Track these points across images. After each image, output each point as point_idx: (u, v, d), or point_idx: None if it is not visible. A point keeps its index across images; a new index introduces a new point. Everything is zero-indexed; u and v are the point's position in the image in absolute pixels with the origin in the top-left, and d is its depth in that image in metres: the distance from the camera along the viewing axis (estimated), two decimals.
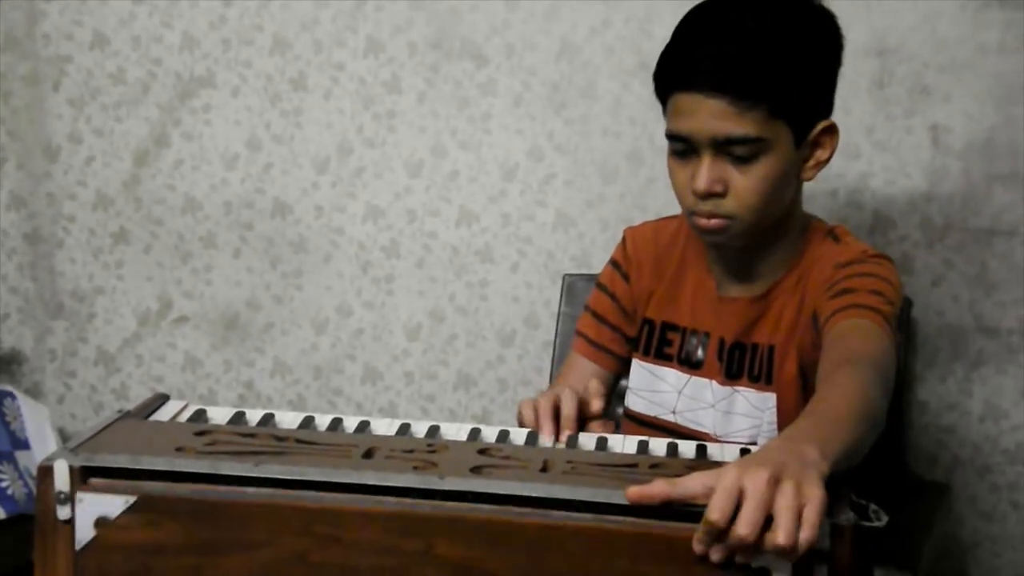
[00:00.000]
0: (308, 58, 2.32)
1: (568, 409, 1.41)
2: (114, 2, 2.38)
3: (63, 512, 1.16)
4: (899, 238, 2.12)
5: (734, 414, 1.63)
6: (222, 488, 1.17)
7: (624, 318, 1.72)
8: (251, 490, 1.16)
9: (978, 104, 2.06)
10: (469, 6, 2.24)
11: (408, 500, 1.15)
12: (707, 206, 1.52)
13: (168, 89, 2.38)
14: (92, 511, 1.16)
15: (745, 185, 1.51)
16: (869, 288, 1.49)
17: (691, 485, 1.10)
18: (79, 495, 1.16)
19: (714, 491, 1.08)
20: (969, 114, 2.07)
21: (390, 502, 1.16)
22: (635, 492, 1.11)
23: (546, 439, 1.37)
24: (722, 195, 1.51)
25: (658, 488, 1.11)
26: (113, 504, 1.16)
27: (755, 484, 1.07)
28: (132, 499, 1.16)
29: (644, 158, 2.21)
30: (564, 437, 1.38)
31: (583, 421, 1.44)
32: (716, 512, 1.07)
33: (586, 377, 1.71)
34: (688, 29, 1.54)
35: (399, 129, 2.31)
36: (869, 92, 2.09)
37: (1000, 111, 2.05)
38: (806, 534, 1.06)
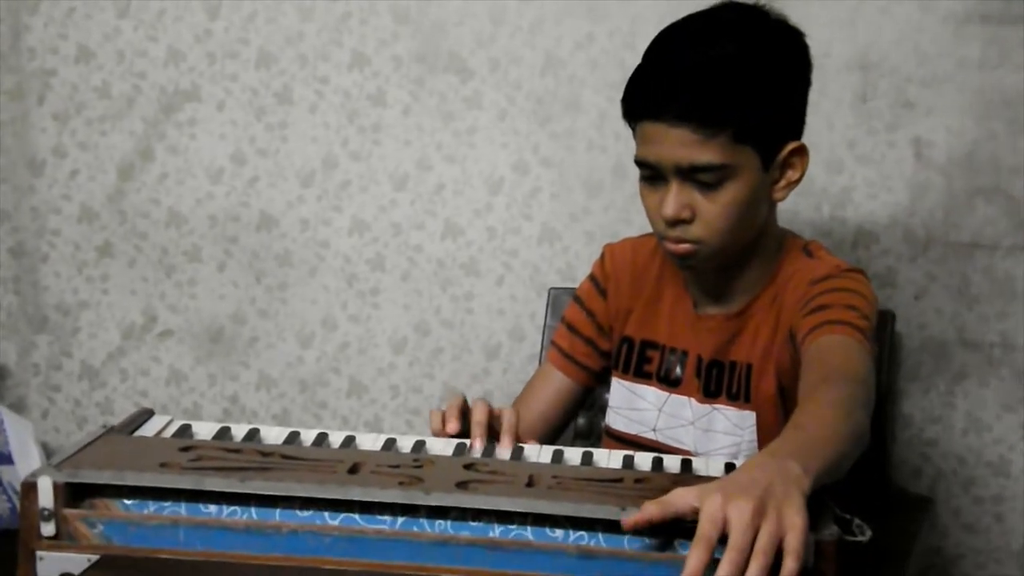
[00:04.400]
0: (293, 72, 2.32)
1: (479, 415, 1.41)
2: (99, 16, 2.37)
3: (47, 529, 1.16)
4: (882, 252, 2.13)
5: (714, 432, 1.63)
6: (189, 537, 1.16)
7: (599, 333, 1.73)
8: (217, 540, 1.15)
9: (960, 118, 2.07)
10: (454, 20, 2.25)
11: (387, 556, 1.14)
12: (675, 232, 1.53)
13: (153, 103, 2.38)
14: (55, 568, 1.15)
15: (712, 211, 1.51)
16: (844, 303, 1.50)
17: (677, 504, 1.11)
18: (39, 553, 1.15)
19: (698, 511, 1.09)
20: (951, 128, 2.08)
21: (368, 548, 1.15)
22: (630, 522, 1.12)
23: (450, 431, 1.40)
24: (690, 221, 1.53)
25: (649, 511, 1.11)
26: (76, 562, 1.16)
27: (739, 516, 1.08)
28: (95, 557, 1.16)
29: (629, 172, 2.21)
30: (478, 444, 1.38)
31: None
32: (703, 545, 1.07)
33: (554, 387, 1.73)
34: (652, 57, 1.56)
35: (384, 142, 2.31)
36: (852, 106, 2.10)
37: (982, 125, 2.07)
38: (790, 566, 1.07)
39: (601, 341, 1.73)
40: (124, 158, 2.41)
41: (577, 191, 2.25)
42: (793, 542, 1.07)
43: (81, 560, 1.15)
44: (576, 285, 2.13)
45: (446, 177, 2.29)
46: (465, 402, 1.46)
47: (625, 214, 2.22)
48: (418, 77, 2.27)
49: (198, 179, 2.38)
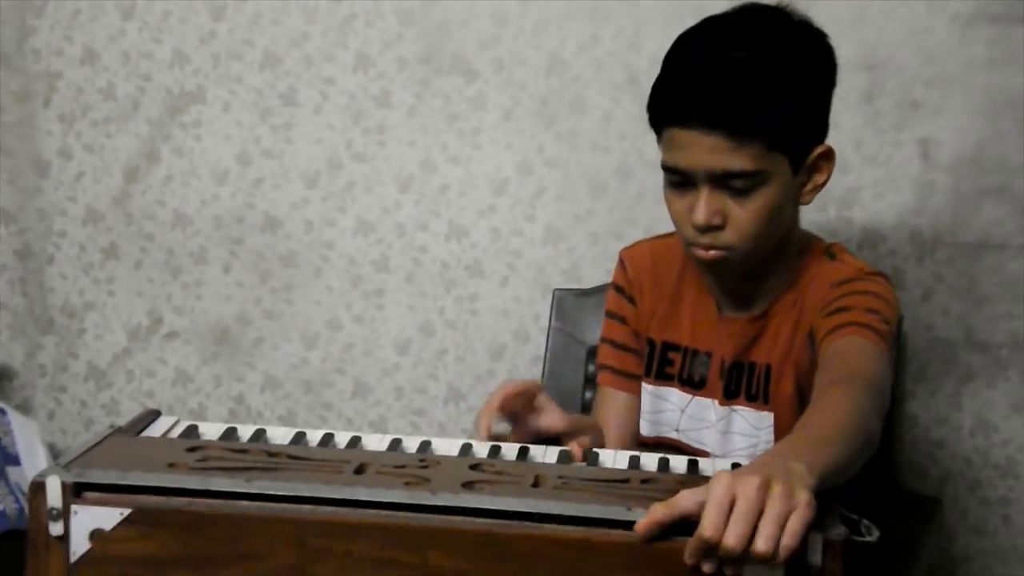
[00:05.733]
0: (298, 73, 2.32)
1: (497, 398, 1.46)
2: (104, 18, 2.38)
3: (55, 528, 1.16)
4: (889, 252, 2.13)
5: (732, 433, 1.62)
6: (217, 501, 1.17)
7: (638, 340, 1.71)
8: (246, 502, 1.17)
9: (967, 118, 2.07)
10: (459, 22, 2.25)
11: (402, 513, 1.16)
12: (706, 238, 1.51)
13: (158, 105, 2.38)
14: (87, 524, 1.16)
15: (744, 217, 1.50)
16: (865, 306, 1.49)
17: (684, 504, 1.11)
18: (73, 507, 1.16)
19: (705, 504, 1.09)
20: (958, 128, 2.08)
21: (384, 514, 1.16)
22: (643, 526, 1.12)
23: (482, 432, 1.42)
24: (721, 227, 1.50)
25: (659, 513, 1.11)
26: (108, 516, 1.16)
27: (746, 489, 1.08)
28: (127, 511, 1.16)
29: (634, 172, 2.21)
30: (491, 424, 1.42)
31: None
32: (709, 528, 1.08)
33: (622, 408, 1.70)
34: (679, 61, 1.52)
35: (389, 144, 2.31)
36: (858, 106, 2.10)
37: (989, 125, 2.06)
38: (786, 542, 1.07)
39: (643, 348, 1.72)
40: (129, 160, 2.41)
41: (582, 192, 2.24)
42: (794, 522, 1.08)
43: (113, 515, 1.15)
44: (580, 286, 2.14)
45: (451, 178, 2.29)
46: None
47: (630, 215, 2.22)
48: (423, 78, 2.27)
49: (203, 181, 2.39)
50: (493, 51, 2.24)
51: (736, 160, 1.46)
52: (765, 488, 1.08)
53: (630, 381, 1.71)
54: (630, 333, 1.72)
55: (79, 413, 2.52)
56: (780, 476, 1.10)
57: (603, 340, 1.75)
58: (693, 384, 1.66)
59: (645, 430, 1.70)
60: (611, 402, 1.72)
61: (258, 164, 2.36)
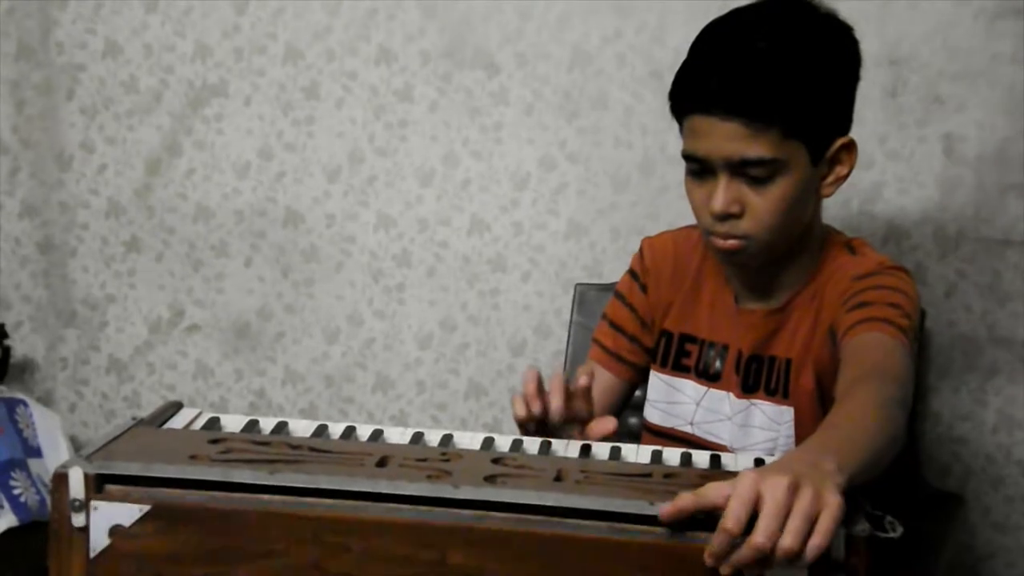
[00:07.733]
0: (320, 67, 2.32)
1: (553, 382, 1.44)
2: (127, 11, 2.38)
3: (78, 519, 1.16)
4: (912, 248, 2.12)
5: (751, 427, 1.62)
6: (237, 495, 1.17)
7: (642, 328, 1.72)
8: (265, 497, 1.17)
9: (991, 114, 2.06)
10: (481, 15, 2.24)
11: (422, 508, 1.15)
12: (724, 227, 1.52)
13: (180, 98, 2.38)
14: (107, 519, 1.16)
15: (762, 206, 1.50)
16: (886, 301, 1.48)
17: (712, 495, 1.10)
18: (93, 503, 1.16)
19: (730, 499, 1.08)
20: (982, 124, 2.06)
21: (403, 511, 1.16)
22: (668, 511, 1.11)
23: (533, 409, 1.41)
24: (739, 216, 1.51)
25: (686, 502, 1.11)
26: (128, 512, 1.16)
27: (773, 490, 1.07)
28: (147, 507, 1.16)
29: (656, 167, 2.21)
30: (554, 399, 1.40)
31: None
32: (731, 520, 1.07)
33: (600, 385, 1.71)
34: (701, 50, 1.53)
35: (411, 138, 2.31)
36: (882, 101, 2.09)
37: (1014, 121, 2.05)
38: (816, 540, 1.06)
39: (644, 337, 1.72)
40: (151, 153, 2.42)
41: (604, 186, 2.24)
42: (825, 520, 1.06)
43: (133, 511, 1.16)
44: (602, 281, 2.14)
45: (472, 172, 2.29)
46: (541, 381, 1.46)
47: (652, 209, 2.21)
48: (445, 72, 2.27)
49: (225, 174, 2.39)
50: (516, 45, 2.24)
51: (753, 147, 1.47)
52: (794, 489, 1.07)
53: (617, 363, 1.72)
54: (633, 319, 1.72)
55: (100, 405, 2.53)
56: (809, 477, 1.09)
57: (603, 316, 1.76)
58: (708, 376, 1.66)
59: (655, 418, 1.70)
60: (595, 379, 1.72)
61: (280, 158, 2.37)
